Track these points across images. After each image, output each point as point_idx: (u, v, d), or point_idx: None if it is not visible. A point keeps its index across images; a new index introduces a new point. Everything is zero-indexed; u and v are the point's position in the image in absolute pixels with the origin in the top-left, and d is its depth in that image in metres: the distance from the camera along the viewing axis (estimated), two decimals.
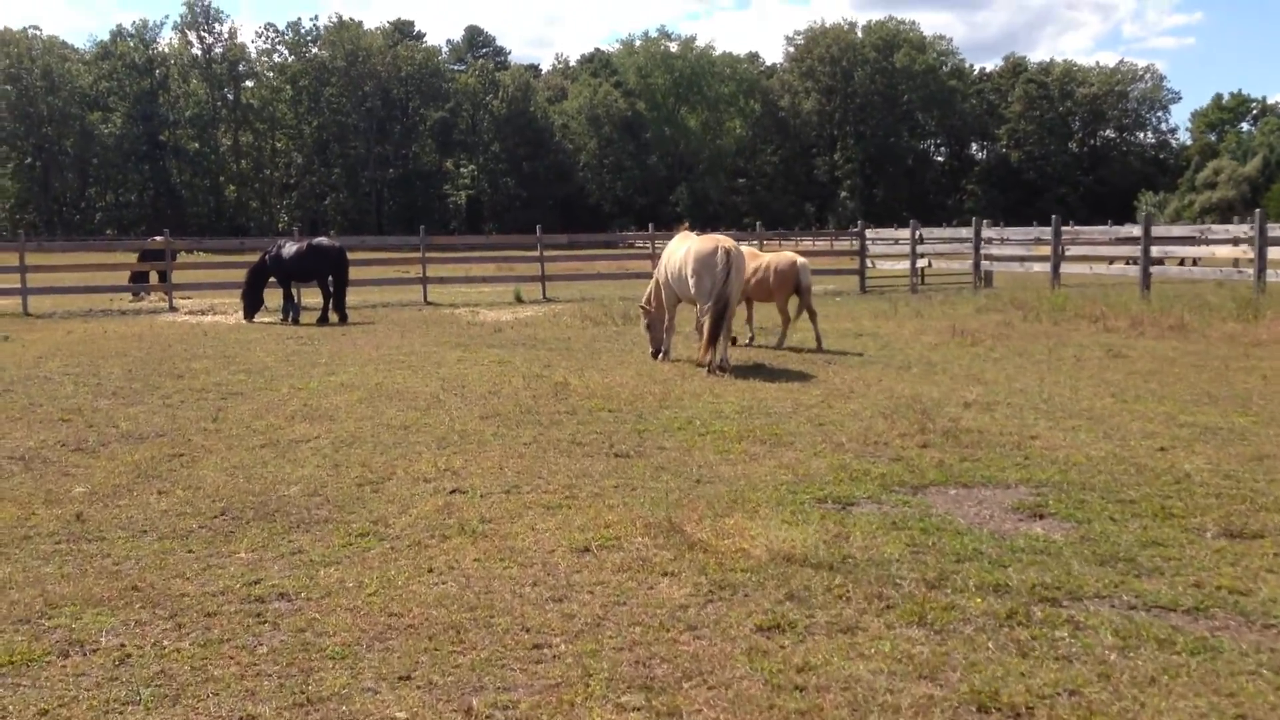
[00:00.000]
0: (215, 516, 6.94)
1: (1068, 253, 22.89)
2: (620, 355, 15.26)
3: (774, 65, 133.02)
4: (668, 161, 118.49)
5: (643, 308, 15.18)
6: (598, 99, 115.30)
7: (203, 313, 24.37)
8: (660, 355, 14.59)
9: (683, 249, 13.98)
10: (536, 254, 30.37)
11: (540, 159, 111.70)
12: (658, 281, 14.84)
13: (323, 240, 23.48)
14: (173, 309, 25.52)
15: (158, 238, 29.20)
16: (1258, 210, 18.44)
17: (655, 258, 29.44)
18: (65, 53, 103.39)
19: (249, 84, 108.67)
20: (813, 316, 16.11)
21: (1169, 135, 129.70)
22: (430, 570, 5.70)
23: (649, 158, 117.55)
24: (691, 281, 13.48)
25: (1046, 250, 23.52)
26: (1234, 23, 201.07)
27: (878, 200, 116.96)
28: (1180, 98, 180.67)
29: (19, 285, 25.29)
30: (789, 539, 5.87)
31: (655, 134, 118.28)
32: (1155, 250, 20.89)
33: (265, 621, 5.05)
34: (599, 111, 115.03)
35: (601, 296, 26.66)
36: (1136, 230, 21.26)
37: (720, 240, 13.59)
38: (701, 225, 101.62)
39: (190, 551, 6.19)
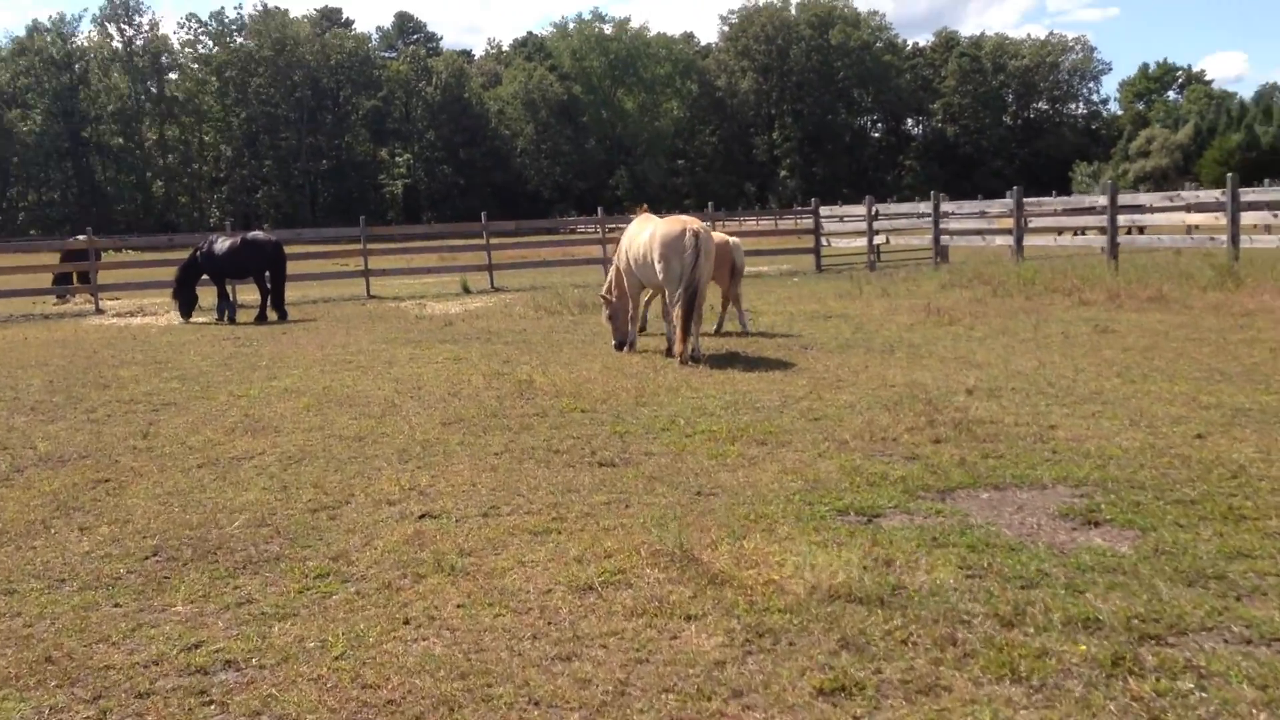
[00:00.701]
0: (147, 557, 5.99)
1: (1031, 225, 22.32)
2: (582, 347, 14.38)
3: (709, 45, 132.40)
4: (606, 145, 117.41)
5: (603, 297, 14.31)
6: (533, 83, 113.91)
7: (131, 314, 23.09)
8: (625, 346, 13.73)
9: (646, 232, 13.11)
10: (482, 242, 29.36)
11: (477, 146, 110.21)
12: (618, 268, 13.98)
13: (257, 234, 22.30)
14: (99, 311, 24.19)
15: (80, 237, 27.73)
16: (1229, 175, 17.89)
17: (606, 243, 28.58)
18: None
19: (173, 76, 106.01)
20: (736, 301, 15.39)
21: (1100, 106, 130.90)
22: (407, 622, 4.80)
23: (587, 141, 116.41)
24: (659, 267, 12.62)
25: (1008, 224, 22.92)
26: None
27: (818, 178, 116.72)
28: (1111, 68, 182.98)
29: None
30: (824, 566, 5.04)
31: (592, 117, 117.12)
32: (1122, 219, 20.33)
33: (210, 701, 4.13)
34: (534, 96, 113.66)
35: (552, 284, 25.71)
36: (1102, 199, 20.69)
37: (688, 222, 12.73)
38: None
39: (117, 606, 5.23)
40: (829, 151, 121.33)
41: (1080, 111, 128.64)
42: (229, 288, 22.04)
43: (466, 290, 25.97)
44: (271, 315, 20.60)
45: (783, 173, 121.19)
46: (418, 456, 8.09)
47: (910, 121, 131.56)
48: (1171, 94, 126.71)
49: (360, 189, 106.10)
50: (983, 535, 5.55)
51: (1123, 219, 20.49)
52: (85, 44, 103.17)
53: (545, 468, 7.54)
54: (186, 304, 21.05)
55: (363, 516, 6.55)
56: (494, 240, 28.83)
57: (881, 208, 28.38)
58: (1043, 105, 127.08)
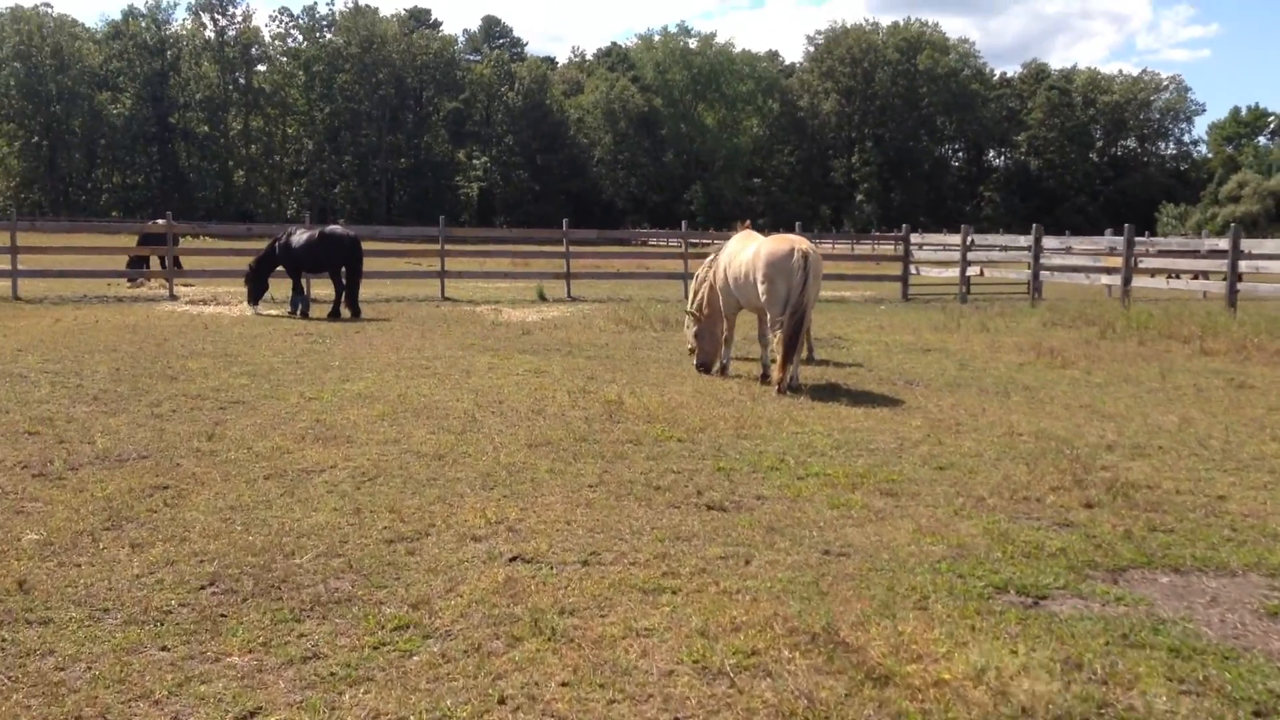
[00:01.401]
0: (203, 587, 5.28)
1: (1141, 265, 21.19)
2: (669, 367, 13.58)
3: (793, 64, 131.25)
4: (683, 159, 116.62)
5: (690, 313, 13.51)
6: (614, 93, 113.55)
7: (204, 302, 22.66)
8: (718, 369, 12.91)
9: (749, 250, 12.29)
10: (559, 249, 28.72)
11: (554, 153, 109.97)
12: (712, 286, 13.17)
13: (335, 228, 21.72)
14: (173, 297, 23.80)
15: (159, 220, 27.45)
16: None
17: (687, 258, 27.78)
18: (76, 31, 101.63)
19: (261, 68, 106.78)
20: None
21: (1190, 147, 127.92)
22: (502, 701, 4.02)
23: (664, 154, 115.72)
24: (762, 288, 11.78)
25: (1114, 262, 21.78)
26: (1249, 35, 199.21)
27: (895, 204, 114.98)
28: (1204, 109, 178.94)
29: (9, 267, 23.57)
30: (1004, 667, 4.18)
31: (671, 131, 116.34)
32: (1244, 265, 19.13)
33: None
34: (615, 106, 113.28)
35: (631, 297, 25.00)
36: (1223, 243, 19.53)
37: (795, 240, 11.88)
38: (716, 224, 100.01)
39: (165, 649, 4.51)
40: (908, 178, 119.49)
41: (1169, 152, 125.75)
42: (304, 281, 21.56)
43: (542, 298, 25.30)
44: (345, 312, 20.04)
45: (859, 197, 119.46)
46: (503, 483, 7.33)
47: (992, 152, 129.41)
48: (1262, 139, 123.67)
49: (436, 189, 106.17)
50: (1182, 635, 4.66)
51: (1237, 264, 19.25)
52: (179, 31, 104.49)
53: (647, 507, 6.74)
54: (256, 292, 20.59)
55: (445, 553, 5.79)
56: (573, 249, 28.09)
57: (977, 238, 27.29)
58: (1131, 143, 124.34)
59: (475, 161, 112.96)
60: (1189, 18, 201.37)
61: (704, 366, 13.04)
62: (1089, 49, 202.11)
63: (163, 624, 4.81)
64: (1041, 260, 23.99)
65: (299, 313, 20.34)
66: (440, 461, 7.95)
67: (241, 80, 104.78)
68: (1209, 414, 10.24)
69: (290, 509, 6.66)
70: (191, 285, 26.36)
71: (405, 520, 6.41)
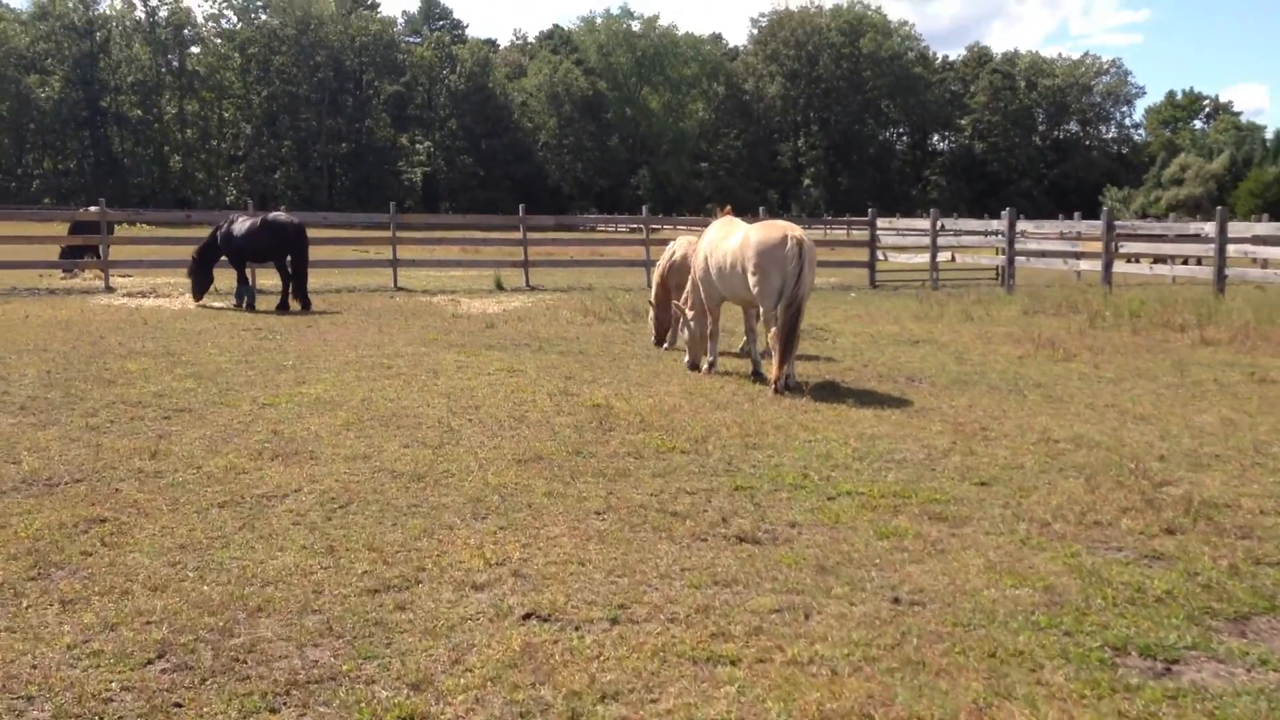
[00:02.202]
0: (149, 661, 4.29)
1: (1122, 249, 20.59)
2: (650, 363, 12.66)
3: (738, 47, 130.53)
4: (629, 143, 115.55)
5: (679, 306, 12.63)
6: (558, 77, 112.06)
7: (143, 295, 21.32)
8: (705, 367, 12.00)
9: (735, 238, 11.37)
10: (514, 236, 27.66)
11: (498, 137, 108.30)
12: (693, 279, 12.27)
13: (279, 215, 20.50)
14: (109, 289, 22.41)
15: (92, 208, 25.93)
16: None
17: (649, 245, 26.79)
18: (1, 12, 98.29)
19: (195, 50, 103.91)
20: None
21: (1131, 131, 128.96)
22: None
23: (610, 139, 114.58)
24: (753, 280, 10.87)
25: (1092, 246, 21.17)
26: (1181, 21, 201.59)
27: (842, 189, 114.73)
28: (1144, 92, 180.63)
29: None
30: None
31: (617, 114, 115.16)
32: (1232, 250, 18.52)
33: None
34: (559, 90, 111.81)
35: (591, 285, 24.06)
36: (1209, 227, 18.95)
37: (788, 227, 10.99)
38: (665, 210, 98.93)
39: None
40: (854, 162, 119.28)
41: (1110, 135, 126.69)
42: (249, 272, 20.37)
43: (500, 287, 24.23)
44: (294, 304, 18.89)
45: (806, 181, 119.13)
46: (497, 509, 6.38)
47: (936, 136, 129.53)
48: (1198, 123, 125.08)
49: (379, 174, 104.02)
50: None
51: (1265, 252, 18.65)
52: (108, 12, 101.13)
53: (668, 540, 5.82)
54: (200, 285, 19.40)
55: (443, 608, 4.84)
56: (530, 235, 27.00)
57: (948, 222, 26.59)
58: (1073, 127, 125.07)
59: (418, 146, 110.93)
60: (1121, 2, 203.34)
61: (694, 366, 12.15)
62: (1024, 33, 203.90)
63: (102, 718, 3.82)
64: (1016, 245, 23.31)
65: (244, 305, 19.17)
66: (420, 483, 6.97)
67: (175, 63, 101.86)
68: (1245, 414, 9.49)
69: (251, 548, 5.67)
70: (129, 276, 24.98)
71: (388, 561, 5.45)
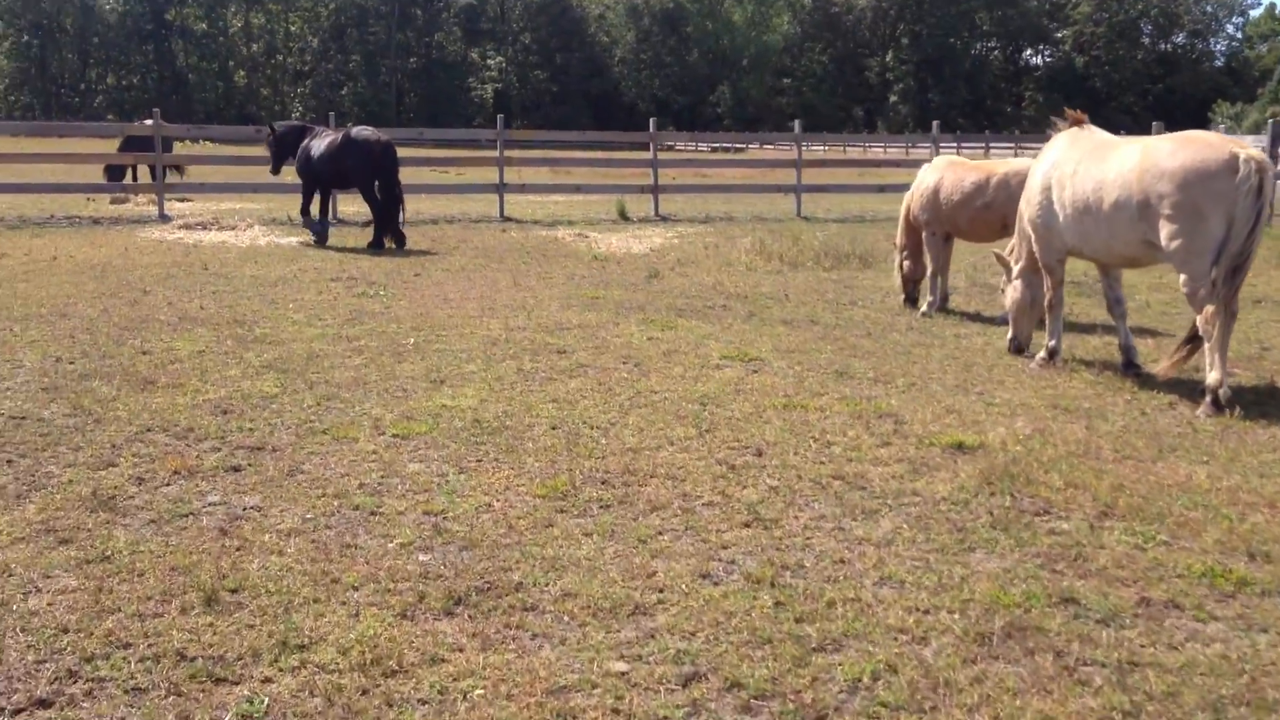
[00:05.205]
0: None
1: None
2: (930, 339, 8.62)
3: None
4: (709, 58, 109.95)
5: (999, 258, 8.53)
6: None
7: (203, 227, 17.30)
8: (1048, 356, 7.86)
9: (1123, 158, 7.04)
10: (644, 156, 23.55)
11: (574, 52, 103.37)
12: (1020, 229, 8.11)
13: (362, 130, 16.33)
14: (163, 218, 18.52)
15: (147, 121, 22.03)
16: None
17: (800, 167, 22.33)
18: None
19: None
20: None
21: (1243, 44, 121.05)
22: None
23: (690, 54, 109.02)
24: (1169, 228, 6.65)
25: None
26: None
27: (932, 106, 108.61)
28: (1260, 2, 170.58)
29: None
30: None
31: (697, 28, 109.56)
32: None
33: None
34: (638, 2, 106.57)
35: (733, 215, 19.93)
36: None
37: (1232, 143, 6.80)
38: (742, 128, 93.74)
39: None
40: (945, 77, 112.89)
41: (1219, 48, 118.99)
42: (331, 200, 16.53)
43: (624, 216, 20.12)
44: (388, 242, 15.04)
45: (893, 98, 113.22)
46: None
47: (1031, 50, 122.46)
48: None
49: (449, 90, 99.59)
50: None
51: None
52: None
53: None
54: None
55: None
56: (660, 156, 22.82)
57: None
58: (1180, 39, 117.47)
59: (490, 61, 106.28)
60: None
61: (1019, 348, 8.14)
62: None
63: None
64: None
65: (317, 240, 15.37)
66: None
67: None
68: None
69: None
70: (189, 201, 21.15)
71: None
